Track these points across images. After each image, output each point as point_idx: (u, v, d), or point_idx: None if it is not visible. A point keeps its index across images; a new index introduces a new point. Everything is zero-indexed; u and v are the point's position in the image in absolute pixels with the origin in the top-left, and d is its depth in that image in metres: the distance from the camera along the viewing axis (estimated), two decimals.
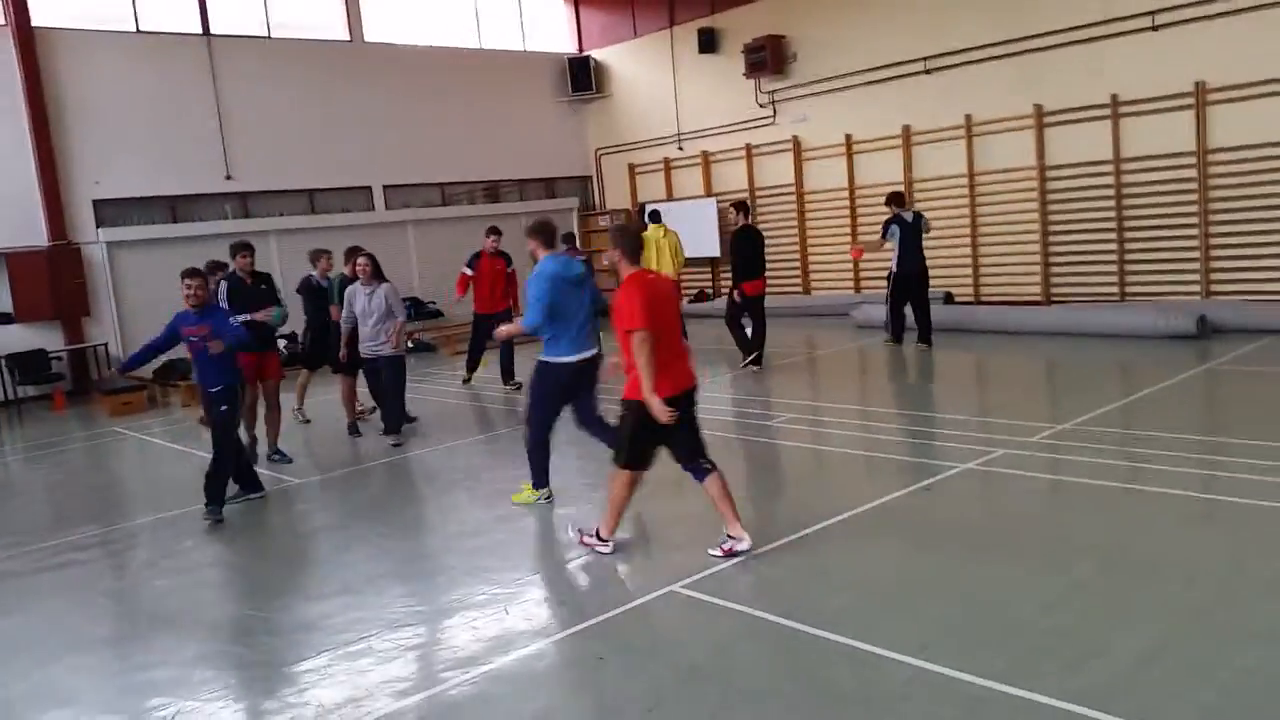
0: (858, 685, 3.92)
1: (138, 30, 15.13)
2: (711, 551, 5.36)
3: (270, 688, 4.36)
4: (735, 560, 5.31)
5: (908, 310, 12.04)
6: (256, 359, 8.48)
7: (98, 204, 14.75)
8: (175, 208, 15.63)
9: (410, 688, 4.23)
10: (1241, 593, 4.44)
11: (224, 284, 8.49)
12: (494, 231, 12.01)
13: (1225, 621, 4.14)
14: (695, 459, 5.48)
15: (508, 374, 11.62)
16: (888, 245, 11.98)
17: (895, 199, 12.18)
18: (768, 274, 11.91)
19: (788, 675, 4.05)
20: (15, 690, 4.54)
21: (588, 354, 6.47)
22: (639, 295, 5.16)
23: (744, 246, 11.36)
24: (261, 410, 8.86)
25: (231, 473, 7.19)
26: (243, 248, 8.70)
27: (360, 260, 9.03)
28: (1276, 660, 3.79)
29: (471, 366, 12.23)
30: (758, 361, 11.39)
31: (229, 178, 15.86)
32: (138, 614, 5.57)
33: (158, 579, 6.04)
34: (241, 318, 8.00)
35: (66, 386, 14.16)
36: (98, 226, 14.70)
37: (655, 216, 13.29)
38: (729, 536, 5.40)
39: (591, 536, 5.71)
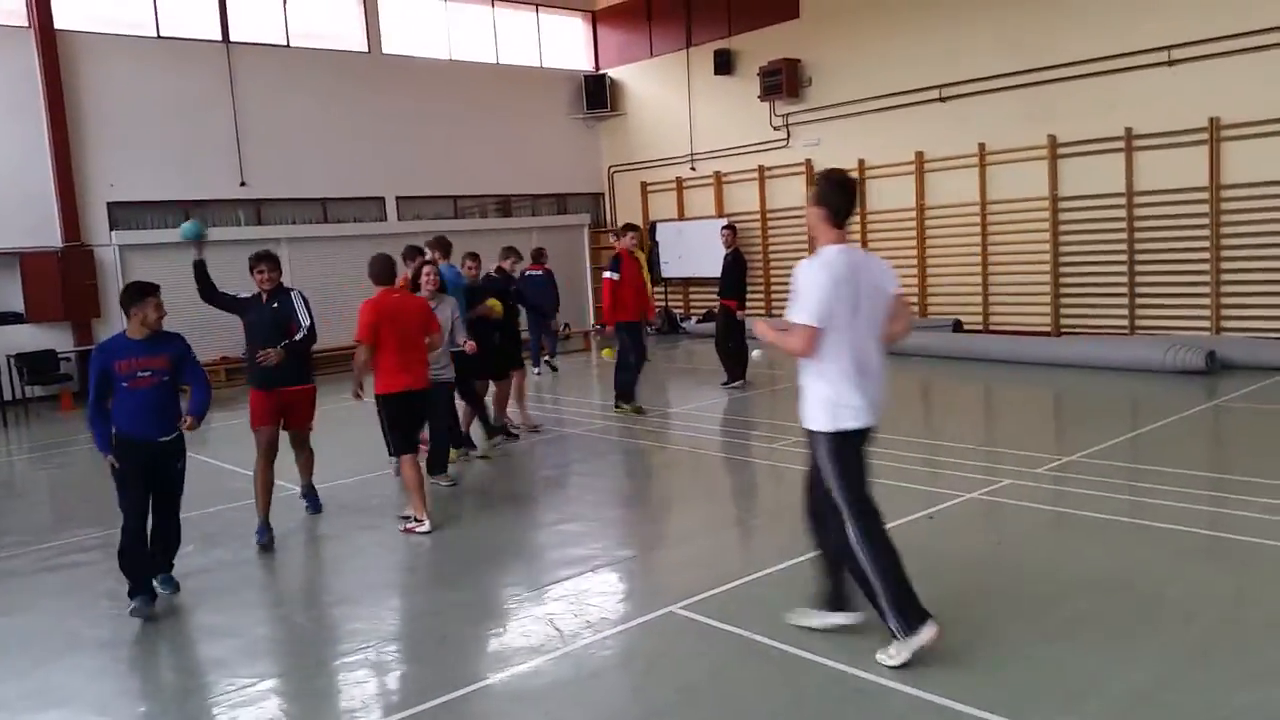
0: (855, 712, 3.90)
1: (158, 35, 15.28)
2: (399, 527, 6.68)
3: (262, 696, 4.35)
4: (736, 584, 5.30)
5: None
6: (274, 398, 6.71)
7: (112, 206, 14.87)
8: (189, 212, 15.70)
9: (402, 702, 4.22)
10: (1242, 632, 4.41)
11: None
12: (631, 228, 10.85)
13: (1224, 660, 4.11)
14: (407, 446, 6.81)
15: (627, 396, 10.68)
16: None
17: None
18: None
19: (785, 699, 4.03)
20: (13, 689, 4.54)
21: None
22: (371, 313, 6.64)
23: (739, 268, 11.95)
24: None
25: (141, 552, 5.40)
26: (260, 260, 6.78)
27: (427, 268, 7.92)
28: (1275, 701, 3.76)
29: (629, 394, 10.62)
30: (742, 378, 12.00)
31: (243, 184, 15.97)
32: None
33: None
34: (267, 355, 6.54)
35: (74, 387, 14.21)
36: (111, 229, 14.80)
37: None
38: (414, 518, 6.64)
39: (410, 522, 6.65)
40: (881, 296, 4.37)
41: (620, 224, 11.06)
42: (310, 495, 7.34)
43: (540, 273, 14.07)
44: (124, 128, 14.83)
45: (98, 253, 14.66)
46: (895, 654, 4.14)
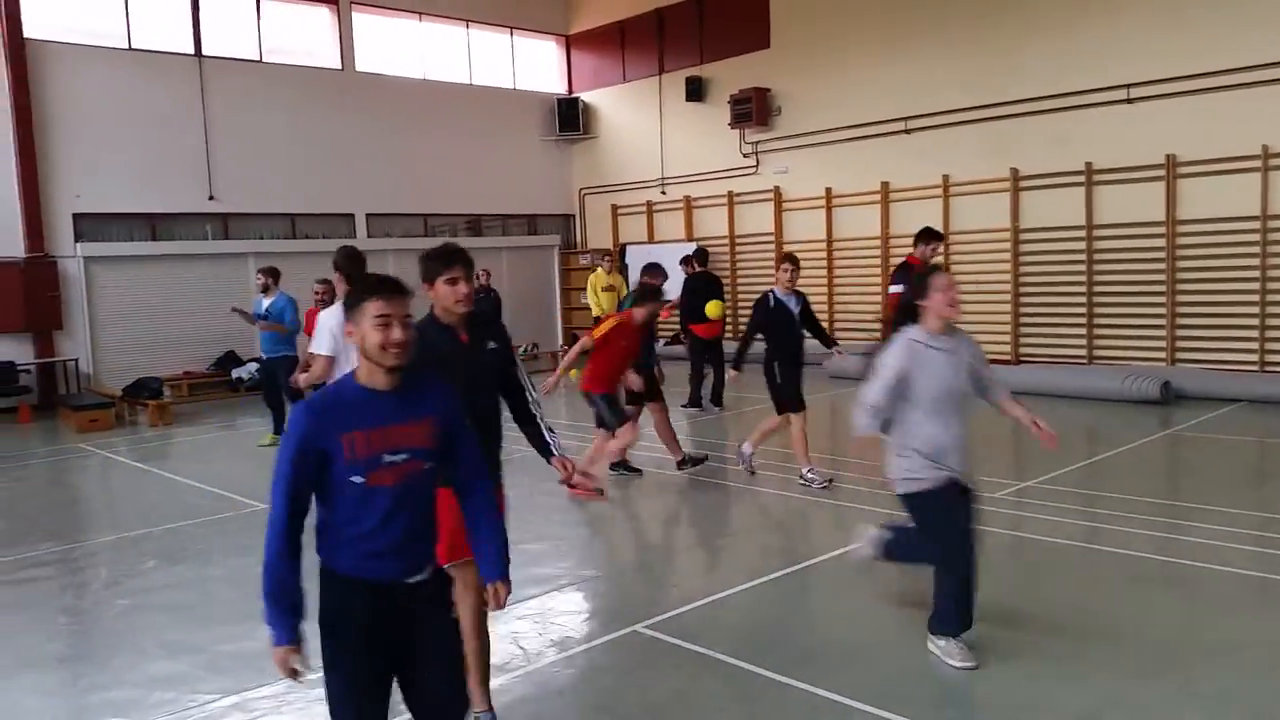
0: None
1: (130, 47, 15.20)
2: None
3: (225, 712, 4.34)
4: (701, 603, 5.36)
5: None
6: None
7: (77, 218, 14.72)
8: (155, 225, 15.61)
9: None
10: (1189, 654, 4.53)
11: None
12: (933, 235, 8.87)
13: (1172, 683, 4.22)
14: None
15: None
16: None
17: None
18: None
19: (747, 719, 4.09)
20: None
21: None
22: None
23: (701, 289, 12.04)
24: None
25: None
26: (455, 260, 3.75)
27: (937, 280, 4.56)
28: None
29: None
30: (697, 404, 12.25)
31: (212, 198, 15.88)
32: (96, 633, 5.53)
33: (119, 599, 5.99)
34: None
35: (33, 400, 14.02)
36: (76, 240, 14.64)
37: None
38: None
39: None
40: None
41: (919, 230, 9.04)
42: None
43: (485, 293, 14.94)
44: (92, 139, 14.71)
45: (62, 264, 14.49)
46: None
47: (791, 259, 8.24)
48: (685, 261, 13.03)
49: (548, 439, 4.18)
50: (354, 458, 2.72)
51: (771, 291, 8.14)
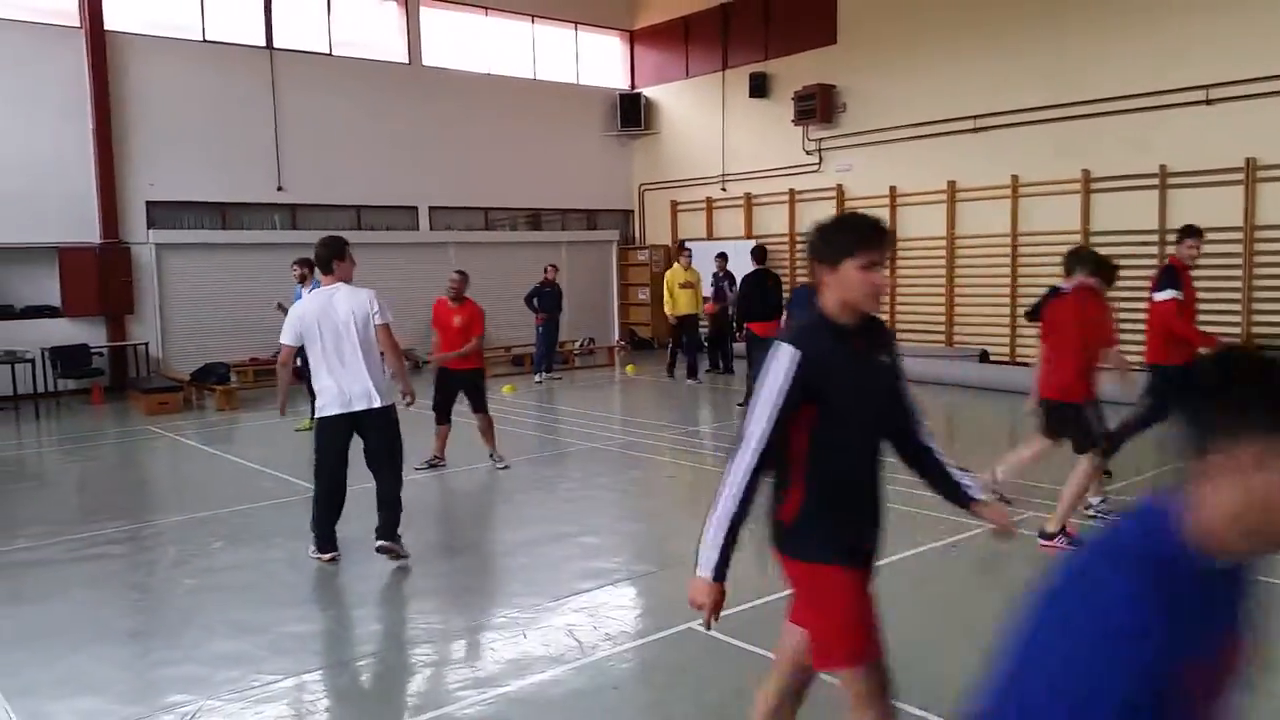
0: None
1: (204, 39, 15.56)
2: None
3: (287, 693, 4.42)
4: (757, 603, 5.32)
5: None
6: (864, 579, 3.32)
7: (150, 205, 15.11)
8: (225, 214, 15.96)
9: (423, 704, 4.27)
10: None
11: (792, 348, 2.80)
12: (1191, 233, 7.67)
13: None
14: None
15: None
16: None
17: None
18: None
19: None
20: (44, 675, 4.63)
21: None
22: None
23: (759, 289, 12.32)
24: None
25: None
26: (877, 242, 2.81)
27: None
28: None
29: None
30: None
31: (280, 188, 16.20)
32: (165, 610, 5.67)
33: (186, 577, 6.14)
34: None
35: (105, 382, 14.43)
36: (149, 228, 15.04)
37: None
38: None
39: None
40: (349, 325, 6.05)
41: (1182, 228, 7.87)
42: None
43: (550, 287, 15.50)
44: (166, 128, 15.09)
45: (135, 250, 14.90)
46: (312, 553, 6.26)
47: (1088, 254, 6.78)
48: (721, 258, 13.11)
49: (961, 477, 3.10)
50: (1188, 703, 1.40)
51: (1056, 288, 6.98)
